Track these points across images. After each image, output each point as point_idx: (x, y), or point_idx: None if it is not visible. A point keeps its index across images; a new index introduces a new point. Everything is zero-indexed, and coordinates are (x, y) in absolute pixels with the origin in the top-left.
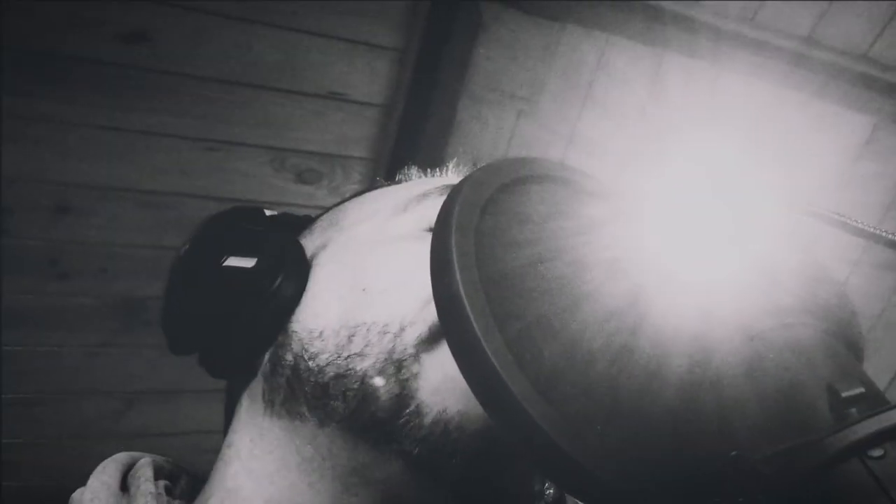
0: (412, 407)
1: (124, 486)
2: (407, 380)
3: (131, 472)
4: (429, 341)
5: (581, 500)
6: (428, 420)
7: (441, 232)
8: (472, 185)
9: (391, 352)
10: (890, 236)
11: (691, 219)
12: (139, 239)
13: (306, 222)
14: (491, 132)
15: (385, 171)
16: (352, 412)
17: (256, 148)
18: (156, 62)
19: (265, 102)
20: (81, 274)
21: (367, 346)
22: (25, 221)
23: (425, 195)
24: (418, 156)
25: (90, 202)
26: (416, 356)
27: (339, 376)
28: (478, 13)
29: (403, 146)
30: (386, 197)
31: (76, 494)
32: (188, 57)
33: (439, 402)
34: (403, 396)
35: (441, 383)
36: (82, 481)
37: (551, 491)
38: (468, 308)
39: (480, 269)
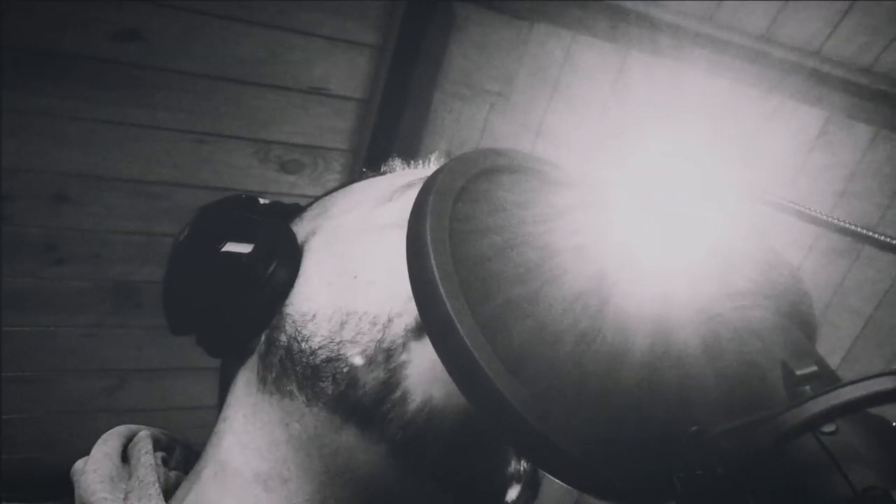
0: (398, 394)
1: (124, 456)
2: (395, 368)
3: (131, 444)
4: (416, 331)
5: (549, 473)
6: (412, 407)
7: (416, 219)
8: (445, 174)
9: (381, 341)
10: (841, 223)
11: (653, 207)
12: (132, 226)
13: (296, 210)
14: (464, 125)
15: (364, 161)
16: (339, 394)
17: (242, 140)
18: (148, 59)
19: (251, 97)
20: (77, 259)
21: (358, 333)
22: (24, 209)
23: (409, 186)
24: (395, 147)
25: (86, 191)
26: (404, 345)
27: (329, 360)
28: (451, 13)
29: (381, 138)
30: (371, 187)
31: (79, 464)
32: (179, 54)
33: (424, 390)
34: (390, 383)
35: (427, 372)
36: (77, 454)
37: (527, 469)
38: (442, 291)
39: (454, 255)
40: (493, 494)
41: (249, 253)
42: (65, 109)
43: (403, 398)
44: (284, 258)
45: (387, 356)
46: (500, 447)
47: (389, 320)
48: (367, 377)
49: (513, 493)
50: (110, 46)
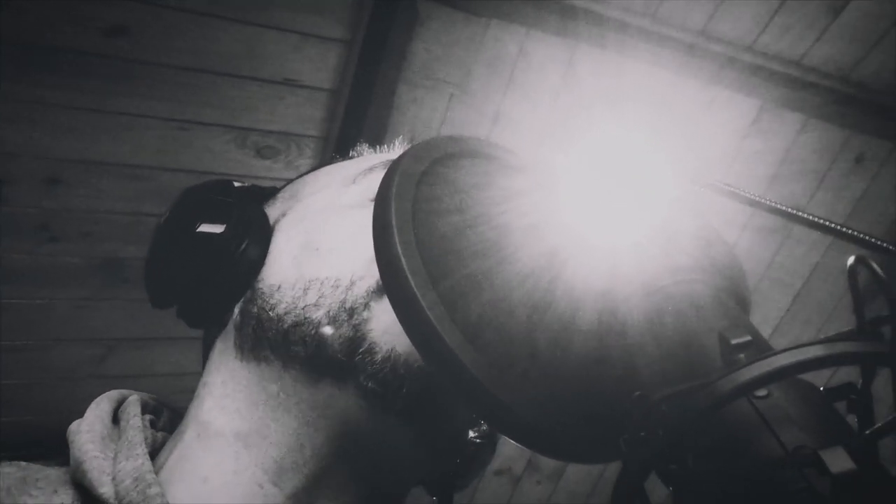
0: (365, 346)
1: (115, 418)
2: (359, 324)
3: (121, 408)
4: (378, 292)
5: (503, 434)
6: (379, 357)
7: (382, 200)
8: (409, 159)
9: (343, 301)
10: (773, 204)
11: (600, 189)
12: (120, 207)
13: (271, 193)
14: (426, 113)
15: (334, 147)
16: (311, 355)
17: (221, 127)
18: (135, 53)
19: (229, 88)
20: (69, 237)
21: (320, 297)
22: (20, 192)
23: (371, 169)
24: (363, 134)
25: (77, 175)
26: (366, 304)
27: (296, 324)
28: (415, 10)
29: (349, 126)
30: (337, 171)
31: (74, 426)
32: (163, 48)
33: (388, 342)
34: (357, 338)
35: (389, 326)
36: (69, 416)
37: (478, 441)
38: (406, 267)
39: (417, 233)
40: (453, 432)
41: (222, 233)
42: (58, 99)
43: (370, 350)
44: (255, 237)
45: (350, 314)
46: (454, 404)
47: (352, 283)
48: (335, 335)
49: (472, 432)
50: (100, 41)
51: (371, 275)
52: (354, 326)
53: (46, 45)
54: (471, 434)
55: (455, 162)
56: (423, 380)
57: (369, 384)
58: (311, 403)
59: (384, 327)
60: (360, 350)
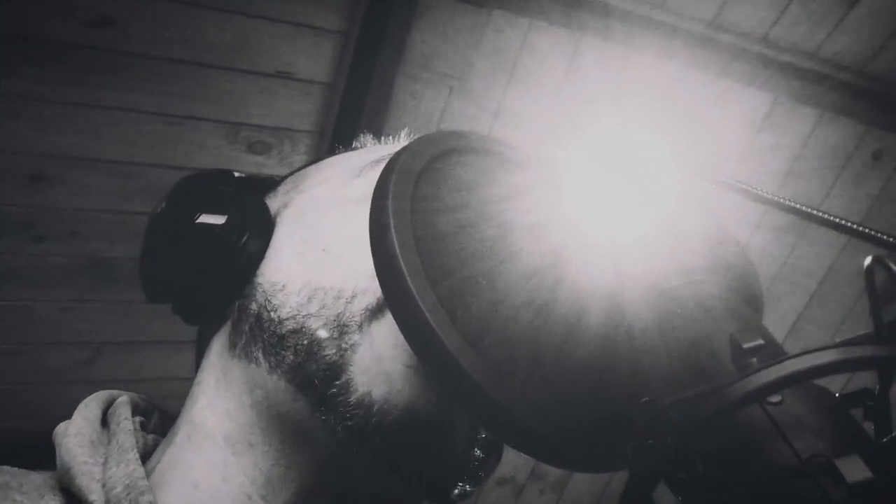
0: (342, 380)
1: (104, 421)
2: (345, 350)
3: (110, 409)
4: (375, 311)
5: (505, 441)
6: (353, 399)
7: (379, 198)
8: (407, 156)
9: (340, 315)
10: (787, 202)
11: (606, 186)
12: (107, 205)
13: (272, 184)
14: (425, 108)
15: (329, 143)
16: (298, 364)
17: (212, 122)
18: (122, 45)
19: (220, 81)
20: (55, 237)
21: (322, 307)
22: (3, 189)
23: (378, 161)
24: (358, 129)
25: (63, 171)
26: (360, 326)
27: (294, 331)
28: (413, 0)
29: (345, 121)
30: (342, 162)
31: (60, 428)
32: (151, 40)
33: (366, 383)
34: (338, 366)
35: (370, 364)
36: (56, 422)
37: (479, 454)
38: (404, 267)
39: (415, 233)
40: (438, 481)
41: (222, 224)
42: (42, 93)
43: (346, 386)
44: (256, 229)
45: (340, 332)
46: (445, 440)
47: (353, 296)
48: (321, 353)
49: (461, 482)
50: (86, 33)
51: (373, 290)
52: (341, 351)
53: (30, 36)
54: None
55: (455, 158)
56: (399, 433)
57: (339, 429)
58: (291, 417)
59: (365, 365)
60: (337, 382)
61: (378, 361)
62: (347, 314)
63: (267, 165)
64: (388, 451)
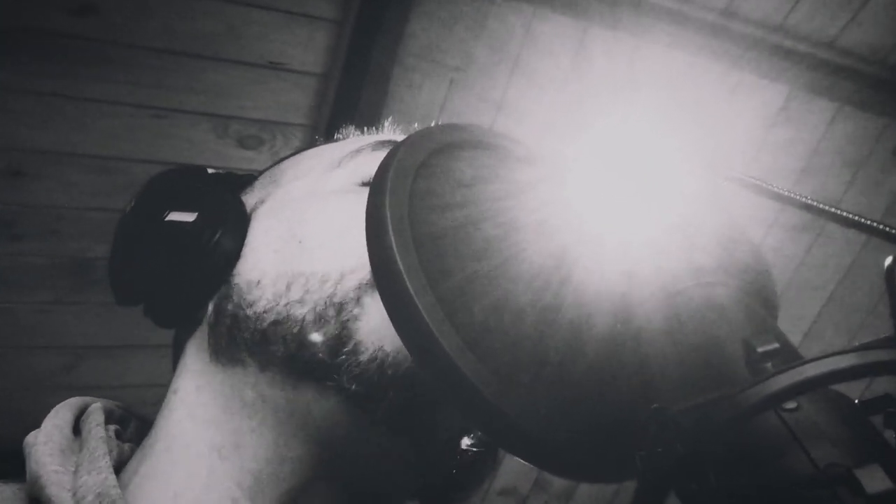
0: (350, 346)
1: (77, 429)
2: (347, 321)
3: (83, 417)
4: (370, 285)
5: (507, 450)
6: (364, 357)
7: (376, 194)
8: (406, 149)
9: (332, 296)
10: (803, 199)
11: (614, 182)
12: (89, 202)
13: (248, 180)
14: (424, 100)
15: (323, 137)
16: (291, 355)
17: (200, 115)
18: (104, 33)
19: (208, 72)
20: (34, 235)
21: (306, 293)
22: None
23: (357, 151)
24: (355, 122)
25: (42, 167)
26: (357, 299)
27: (277, 322)
28: None
29: (340, 113)
30: (321, 154)
31: (30, 437)
32: (135, 28)
33: (376, 341)
34: (342, 336)
35: (379, 324)
36: (33, 429)
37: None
38: (401, 267)
39: (413, 230)
40: (448, 441)
41: (193, 221)
42: (21, 84)
43: (356, 349)
44: (230, 226)
45: (338, 310)
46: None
47: (342, 276)
48: (319, 333)
49: (467, 443)
50: (66, 20)
51: (363, 267)
52: (342, 323)
53: (8, 24)
54: (466, 442)
55: (455, 153)
56: (412, 383)
57: (353, 386)
58: (290, 410)
59: (373, 326)
60: (345, 349)
61: (385, 323)
62: (340, 293)
63: (258, 161)
64: (400, 410)
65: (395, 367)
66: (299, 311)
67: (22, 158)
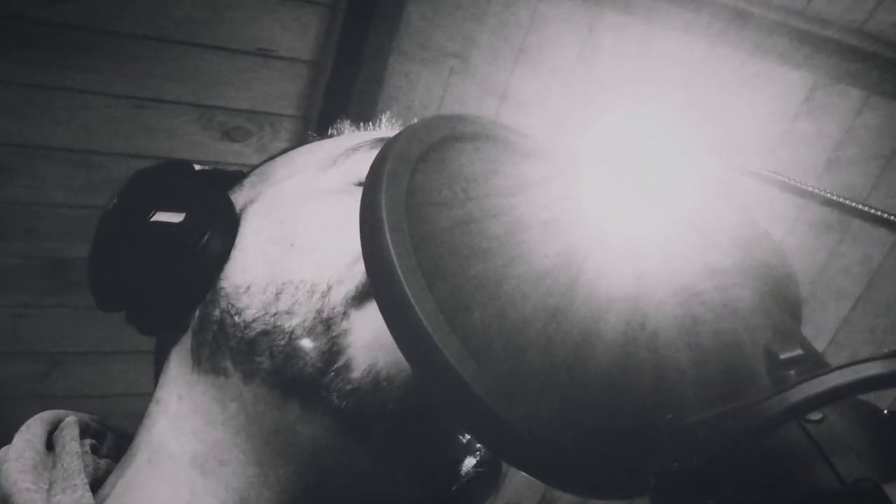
0: (341, 362)
1: (50, 444)
2: (337, 336)
3: (56, 431)
4: (357, 299)
5: (513, 465)
6: (357, 374)
7: (371, 190)
8: (402, 143)
9: (320, 311)
10: (828, 195)
11: (626, 178)
12: (67, 199)
13: (237, 177)
14: (422, 89)
15: (315, 128)
16: (278, 368)
17: (184, 105)
18: (81, 20)
19: (193, 59)
20: (8, 234)
21: (294, 304)
22: None
23: (354, 149)
24: (348, 113)
25: (16, 161)
26: (344, 314)
27: (265, 333)
28: None
29: (333, 104)
30: (315, 151)
31: (0, 453)
32: (114, 14)
33: (369, 356)
34: (333, 352)
35: (372, 338)
36: (6, 441)
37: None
38: (398, 268)
39: (411, 230)
40: (447, 468)
41: (180, 223)
42: None
43: (347, 366)
44: (218, 228)
45: (326, 326)
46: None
47: (329, 288)
48: (307, 348)
49: (469, 464)
50: (41, 5)
51: (351, 278)
52: (332, 339)
53: None
54: (469, 463)
55: (456, 146)
56: (409, 399)
57: (343, 404)
58: (275, 428)
59: (365, 341)
60: (335, 366)
61: (378, 336)
62: (328, 308)
63: (245, 154)
64: (394, 430)
65: (390, 381)
66: (288, 323)
67: None
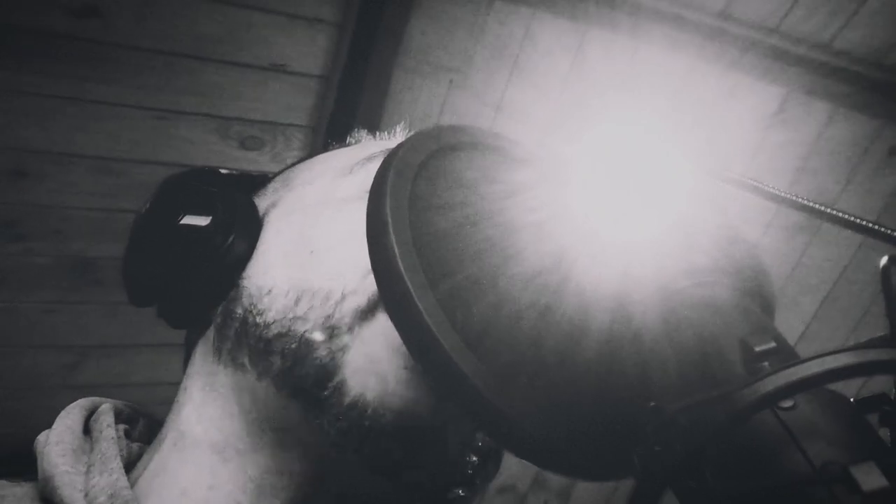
0: (335, 381)
1: (87, 429)
2: (336, 351)
3: (93, 417)
4: (365, 312)
5: (507, 449)
6: (347, 400)
7: (376, 195)
8: (405, 151)
9: (329, 317)
10: (800, 200)
11: (613, 183)
12: (92, 202)
13: (261, 182)
14: (423, 101)
15: (323, 138)
16: (287, 370)
17: (202, 116)
18: (107, 35)
19: (210, 74)
20: (37, 235)
21: (310, 309)
22: None
23: (370, 158)
24: (355, 124)
25: (45, 167)
26: (350, 327)
27: (281, 335)
28: None
29: (340, 115)
30: (334, 159)
31: (41, 437)
32: (137, 31)
33: (359, 384)
34: (330, 368)
35: (363, 365)
36: (37, 429)
37: (476, 460)
38: (401, 267)
39: (413, 231)
40: (433, 488)
41: (207, 225)
42: (25, 85)
43: (340, 387)
44: (242, 230)
45: (330, 335)
46: (439, 444)
47: (343, 297)
48: (312, 356)
49: (457, 488)
50: (69, 23)
51: (363, 290)
52: (331, 353)
53: (11, 25)
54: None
55: (455, 154)
56: (392, 435)
57: (332, 431)
58: (284, 426)
59: (357, 366)
60: (330, 385)
61: (371, 362)
62: (337, 315)
63: (259, 162)
64: (383, 455)
65: (376, 418)
66: (300, 327)
67: (25, 159)
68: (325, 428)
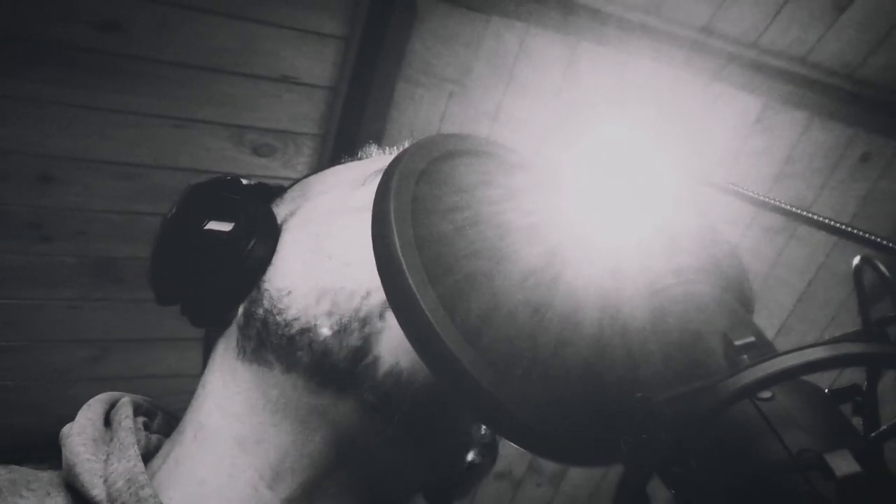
0: (368, 359)
1: (108, 421)
2: (368, 335)
3: (113, 410)
4: None
5: (503, 436)
6: (382, 371)
7: (380, 200)
8: (408, 157)
9: (357, 310)
10: (777, 203)
11: (602, 188)
12: (113, 205)
13: (279, 191)
14: (425, 111)
15: (331, 145)
16: (315, 362)
17: (217, 125)
18: (128, 48)
19: (225, 84)
20: (62, 236)
21: (334, 306)
22: (11, 190)
23: (380, 171)
24: (361, 132)
25: (70, 173)
26: (381, 315)
27: (303, 330)
28: (413, 5)
29: (348, 124)
30: (347, 171)
31: (66, 429)
32: (156, 44)
33: (393, 357)
34: (363, 350)
35: (397, 341)
36: (61, 419)
37: (486, 433)
38: (404, 266)
39: (416, 233)
40: (454, 451)
41: (230, 231)
42: (49, 95)
43: (374, 363)
44: (262, 236)
45: (362, 324)
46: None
47: (368, 293)
48: (342, 345)
49: (473, 452)
50: (92, 36)
51: None
52: (364, 337)
53: (36, 38)
54: (472, 454)
55: (455, 160)
56: (425, 396)
57: (369, 397)
58: (310, 411)
59: (392, 344)
60: (364, 362)
61: (403, 340)
62: (366, 308)
63: (271, 168)
64: (412, 419)
65: (411, 381)
66: (326, 322)
67: (51, 165)
68: (363, 396)
